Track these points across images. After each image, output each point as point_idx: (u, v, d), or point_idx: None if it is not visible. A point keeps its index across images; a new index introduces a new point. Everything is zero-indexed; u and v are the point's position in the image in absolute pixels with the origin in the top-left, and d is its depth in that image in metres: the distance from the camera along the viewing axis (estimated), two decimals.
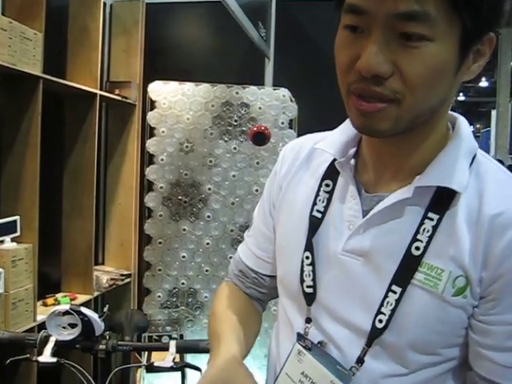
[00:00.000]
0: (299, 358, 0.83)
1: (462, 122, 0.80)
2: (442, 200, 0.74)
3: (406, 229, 0.75)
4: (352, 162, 0.84)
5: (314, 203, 0.86)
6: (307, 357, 0.81)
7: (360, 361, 0.77)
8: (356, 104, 0.70)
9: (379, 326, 0.74)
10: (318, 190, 0.86)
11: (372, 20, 0.65)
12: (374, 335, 0.75)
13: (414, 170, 0.76)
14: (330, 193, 0.85)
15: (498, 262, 0.70)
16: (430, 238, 0.73)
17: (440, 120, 0.77)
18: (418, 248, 0.73)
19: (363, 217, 0.79)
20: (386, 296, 0.74)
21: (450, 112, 0.80)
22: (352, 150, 0.85)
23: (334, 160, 0.84)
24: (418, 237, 0.74)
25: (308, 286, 0.83)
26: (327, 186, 0.86)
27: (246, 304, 1.02)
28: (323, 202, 0.85)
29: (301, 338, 0.84)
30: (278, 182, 0.96)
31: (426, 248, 0.73)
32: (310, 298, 0.83)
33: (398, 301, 0.73)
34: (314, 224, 0.85)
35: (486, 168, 0.76)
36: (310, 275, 0.83)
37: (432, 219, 0.74)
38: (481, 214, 0.72)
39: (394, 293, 0.74)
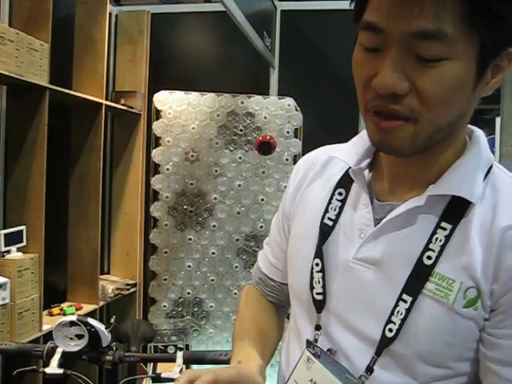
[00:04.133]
0: (308, 366, 0.82)
1: (479, 134, 0.80)
2: (456, 210, 0.74)
3: (418, 237, 0.75)
4: (366, 171, 0.85)
5: (326, 211, 0.86)
6: (316, 364, 0.81)
7: (369, 370, 0.76)
8: (374, 121, 0.70)
9: (389, 335, 0.74)
10: (331, 198, 0.87)
11: (388, 38, 0.65)
12: (384, 344, 0.75)
13: (429, 181, 0.76)
14: (343, 201, 0.86)
15: (508, 275, 0.70)
16: (443, 247, 0.73)
17: (458, 134, 0.77)
18: (429, 257, 0.73)
19: (375, 225, 0.79)
20: (396, 305, 0.74)
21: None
22: (366, 160, 0.85)
23: (349, 169, 0.84)
24: (430, 246, 0.73)
25: (318, 293, 0.83)
26: (340, 194, 0.86)
27: (268, 310, 1.04)
28: (335, 210, 0.85)
29: (310, 345, 0.84)
30: (291, 192, 0.96)
31: (437, 257, 0.73)
32: (319, 306, 0.83)
33: (408, 310, 0.73)
34: (325, 231, 0.85)
35: (501, 181, 0.76)
36: (319, 282, 0.83)
37: (445, 229, 0.73)
38: (493, 225, 0.71)
39: (405, 302, 0.73)
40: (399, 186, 0.80)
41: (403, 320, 0.73)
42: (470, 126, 0.80)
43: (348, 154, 0.85)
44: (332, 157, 0.90)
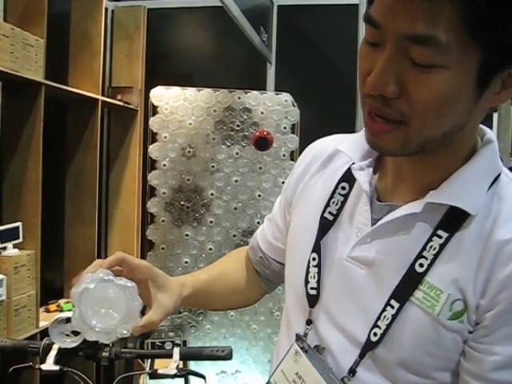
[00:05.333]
0: (295, 359, 0.83)
1: (490, 138, 0.76)
2: (454, 219, 0.71)
3: (412, 244, 0.73)
4: (370, 169, 0.83)
5: (328, 205, 0.85)
6: (303, 358, 0.81)
7: (352, 371, 0.76)
8: (366, 121, 0.69)
9: (373, 339, 0.73)
10: (334, 192, 0.85)
11: (385, 36, 0.62)
12: (368, 348, 0.74)
13: (431, 183, 0.74)
14: (345, 196, 0.84)
15: (496, 290, 0.67)
16: (436, 256, 0.71)
17: (464, 140, 0.74)
18: (421, 265, 0.72)
19: (372, 225, 0.78)
20: (383, 310, 0.73)
21: (480, 126, 0.76)
22: (370, 158, 0.83)
23: (353, 164, 0.83)
24: (424, 253, 0.72)
25: (312, 288, 0.83)
26: (343, 188, 0.85)
27: (241, 262, 1.11)
28: (337, 204, 0.84)
29: (299, 339, 0.83)
30: (294, 180, 0.95)
31: (429, 266, 0.71)
32: (312, 300, 0.83)
33: (394, 316, 0.72)
34: (324, 226, 0.84)
35: (507, 190, 0.73)
36: (314, 277, 0.82)
37: (441, 237, 0.71)
38: (490, 239, 0.69)
39: (392, 307, 0.72)
40: (401, 184, 0.78)
41: (388, 325, 0.72)
42: (483, 127, 0.77)
43: (354, 148, 0.83)
44: (338, 150, 0.87)
